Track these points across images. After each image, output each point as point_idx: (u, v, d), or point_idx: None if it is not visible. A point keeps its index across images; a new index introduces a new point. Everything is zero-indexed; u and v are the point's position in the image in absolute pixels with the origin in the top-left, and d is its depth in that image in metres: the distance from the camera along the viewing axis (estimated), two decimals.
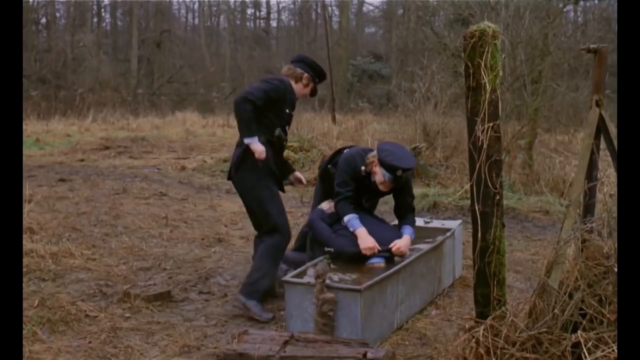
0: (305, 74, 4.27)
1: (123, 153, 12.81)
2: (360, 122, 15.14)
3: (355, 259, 4.01)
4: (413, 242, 4.28)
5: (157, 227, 6.33)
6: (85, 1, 28.88)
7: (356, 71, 25.51)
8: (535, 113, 9.92)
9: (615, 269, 2.67)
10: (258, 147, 4.00)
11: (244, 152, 4.07)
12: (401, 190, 4.29)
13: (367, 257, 4.02)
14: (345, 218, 4.11)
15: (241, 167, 4.11)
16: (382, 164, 4.06)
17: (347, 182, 4.18)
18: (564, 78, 10.76)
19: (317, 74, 4.35)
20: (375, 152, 4.18)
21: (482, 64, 2.75)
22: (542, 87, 9.78)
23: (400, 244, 4.07)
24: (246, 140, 4.02)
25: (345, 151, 4.45)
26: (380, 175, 4.11)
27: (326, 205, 4.35)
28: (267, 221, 4.14)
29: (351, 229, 4.05)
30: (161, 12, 30.22)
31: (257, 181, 4.10)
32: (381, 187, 4.19)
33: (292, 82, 4.25)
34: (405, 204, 4.36)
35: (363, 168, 4.19)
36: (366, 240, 3.99)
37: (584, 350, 2.48)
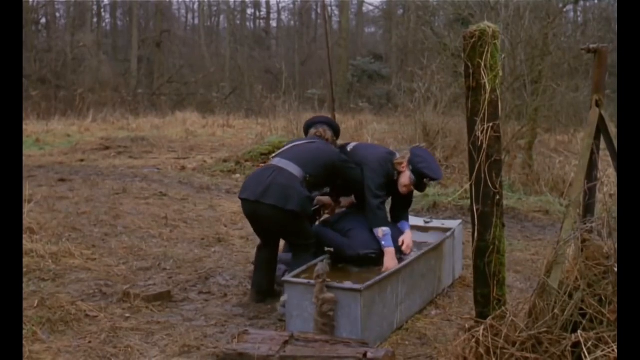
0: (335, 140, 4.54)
1: (123, 153, 12.77)
2: (360, 122, 15.09)
3: (366, 260, 4.12)
4: (414, 242, 4.45)
5: (157, 227, 6.33)
6: (85, 1, 28.82)
7: (356, 71, 25.44)
8: (535, 113, 9.90)
9: (615, 269, 2.67)
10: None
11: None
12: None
13: (376, 260, 4.11)
14: (384, 229, 4.12)
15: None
16: (414, 170, 4.20)
17: (383, 186, 4.20)
18: (564, 78, 10.71)
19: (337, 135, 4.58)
20: (403, 154, 4.29)
21: (482, 64, 2.75)
22: (542, 87, 9.76)
23: (407, 240, 4.28)
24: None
25: (361, 149, 4.43)
26: (407, 177, 4.24)
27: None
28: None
29: (383, 243, 4.09)
30: (161, 12, 30.17)
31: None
32: (403, 189, 4.31)
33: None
34: (407, 202, 4.51)
35: (396, 172, 4.26)
36: (393, 262, 4.04)
37: (584, 350, 2.48)
